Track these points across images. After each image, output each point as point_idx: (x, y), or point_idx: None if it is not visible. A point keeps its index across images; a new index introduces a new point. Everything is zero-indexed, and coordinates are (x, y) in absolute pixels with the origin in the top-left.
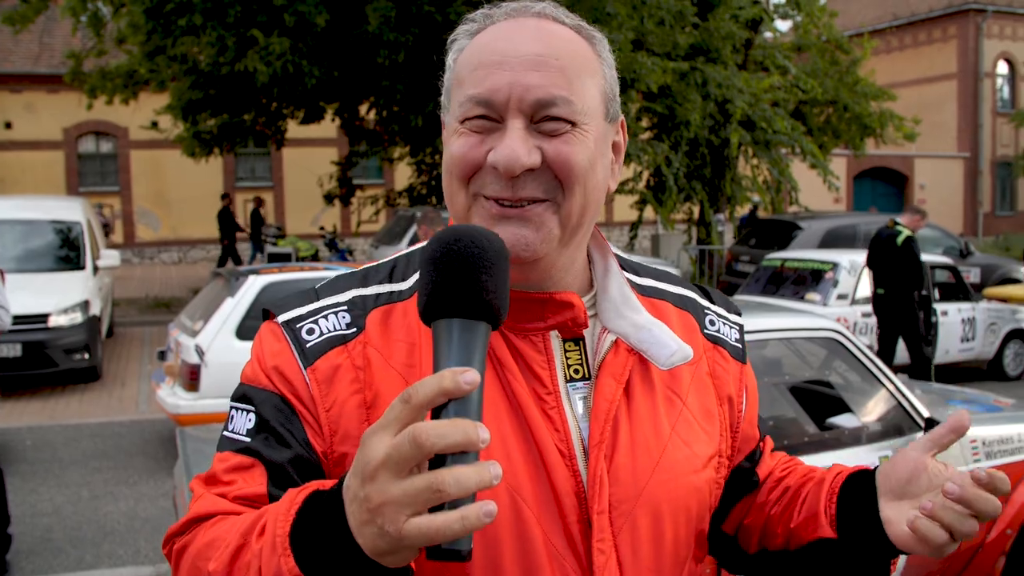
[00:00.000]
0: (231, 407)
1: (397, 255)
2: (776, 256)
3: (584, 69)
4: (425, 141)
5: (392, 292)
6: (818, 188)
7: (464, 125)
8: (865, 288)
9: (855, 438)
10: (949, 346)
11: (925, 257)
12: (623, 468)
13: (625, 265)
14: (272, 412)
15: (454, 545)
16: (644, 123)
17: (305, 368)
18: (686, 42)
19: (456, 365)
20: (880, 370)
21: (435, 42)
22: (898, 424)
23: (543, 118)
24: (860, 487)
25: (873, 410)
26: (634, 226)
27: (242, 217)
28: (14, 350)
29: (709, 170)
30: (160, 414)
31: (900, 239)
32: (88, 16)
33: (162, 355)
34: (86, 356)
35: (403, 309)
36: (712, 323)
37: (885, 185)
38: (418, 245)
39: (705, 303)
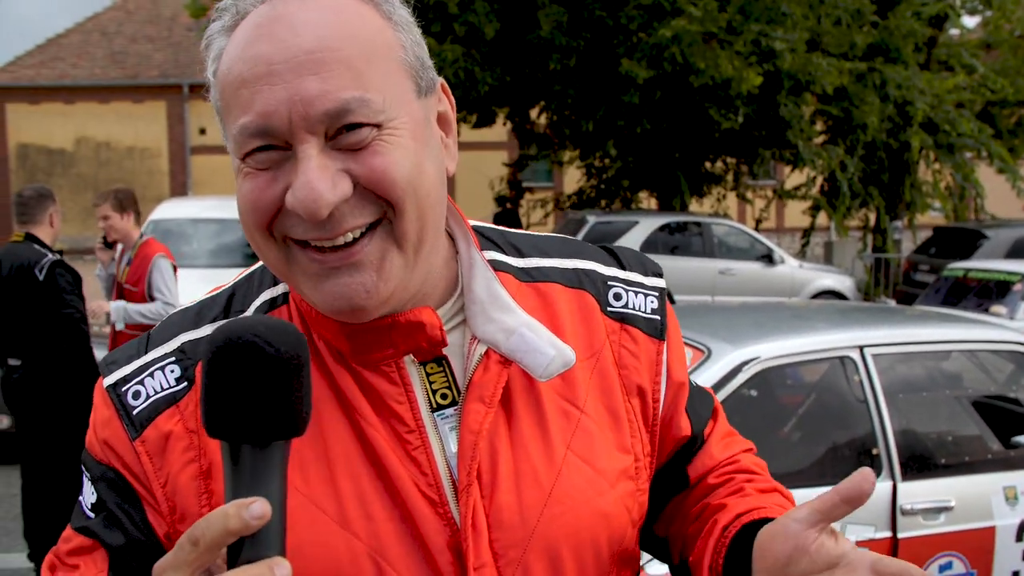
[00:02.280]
0: (82, 471)
1: (238, 278)
2: (959, 266)
3: (376, 48)
4: (595, 145)
5: None
6: (1007, 195)
7: (246, 163)
8: None
9: None
10: None
11: None
12: (507, 508)
13: (502, 244)
14: (106, 490)
15: None
16: (818, 126)
17: (133, 440)
18: (864, 41)
19: (245, 495)
20: None
21: (606, 47)
22: None
23: (339, 131)
24: (747, 551)
25: None
26: (806, 233)
27: None
28: None
29: (887, 175)
30: None
31: None
32: None
33: None
34: None
35: None
36: (618, 297)
37: None
38: (261, 263)
39: (609, 272)
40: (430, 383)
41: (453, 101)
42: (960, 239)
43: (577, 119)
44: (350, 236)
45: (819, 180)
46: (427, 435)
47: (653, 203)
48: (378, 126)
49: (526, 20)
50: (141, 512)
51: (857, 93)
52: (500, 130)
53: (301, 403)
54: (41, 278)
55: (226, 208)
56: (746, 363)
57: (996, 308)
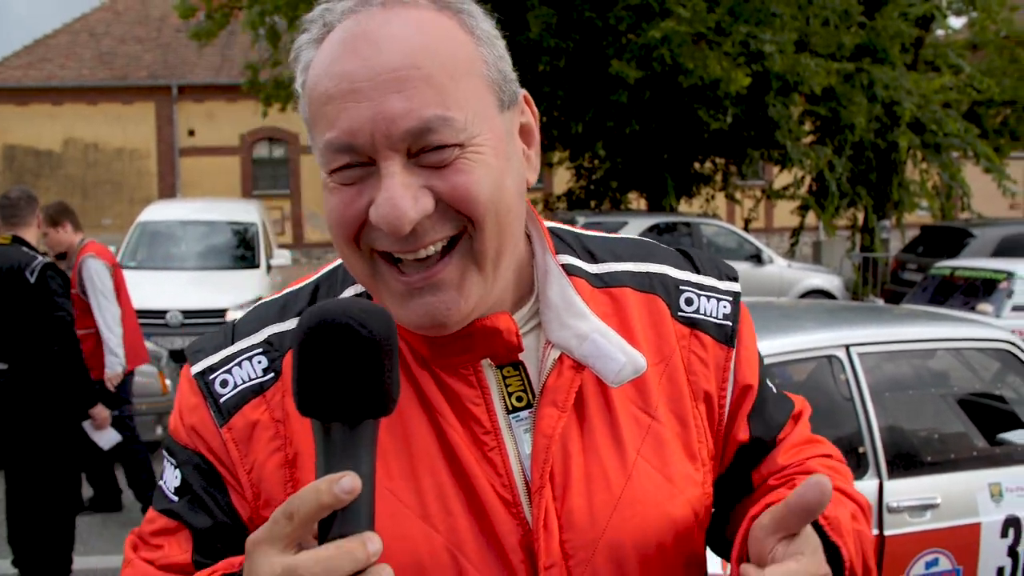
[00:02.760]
0: (164, 456)
1: (320, 273)
2: (946, 264)
3: (458, 64)
4: (585, 146)
5: None
6: (993, 194)
7: (333, 178)
8: None
9: None
10: None
11: None
12: (577, 510)
13: (577, 248)
14: (193, 474)
15: None
16: (807, 126)
17: (221, 427)
18: (852, 42)
19: (336, 470)
20: None
21: (595, 48)
22: None
23: (422, 149)
24: None
25: None
26: (795, 232)
27: None
28: None
29: (875, 175)
30: None
31: None
32: (266, 30)
33: None
34: None
35: None
36: (689, 301)
37: None
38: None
39: (683, 275)
40: (506, 386)
41: (536, 112)
42: (947, 238)
43: (567, 120)
44: (432, 249)
45: (807, 180)
46: (502, 437)
47: (642, 204)
48: (460, 145)
49: (515, 21)
50: (226, 496)
51: (845, 93)
52: None
53: (391, 384)
54: (32, 281)
55: (215, 210)
56: None
57: (982, 306)
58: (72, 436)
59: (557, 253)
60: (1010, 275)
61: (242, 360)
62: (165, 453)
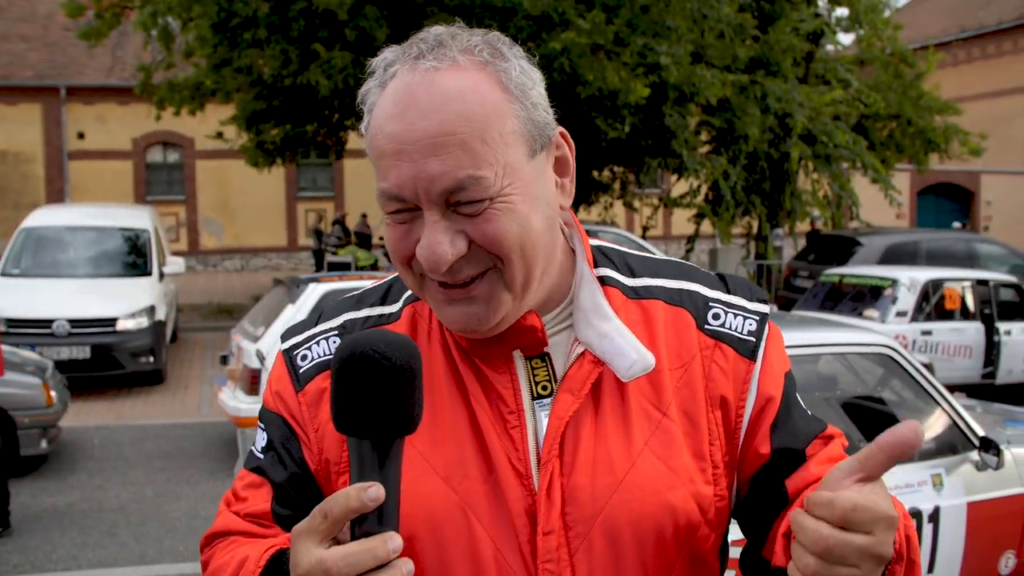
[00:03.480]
0: (258, 426)
1: (395, 274)
2: (834, 272)
3: (490, 127)
4: None
5: (381, 315)
6: (880, 204)
7: (389, 216)
8: (926, 306)
9: None
10: (1013, 366)
11: (990, 275)
12: (581, 487)
13: (619, 264)
14: (276, 432)
15: None
16: (703, 136)
17: (297, 392)
18: (746, 55)
19: (366, 480)
20: (934, 387)
21: None
22: (952, 442)
23: (458, 202)
24: None
25: (926, 428)
26: (691, 239)
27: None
28: (83, 352)
29: (768, 184)
30: (222, 417)
31: None
32: (158, 30)
33: (224, 360)
34: (151, 359)
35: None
36: (717, 317)
37: (950, 201)
38: None
39: (713, 294)
40: (533, 375)
41: (572, 145)
42: (837, 246)
43: None
44: (467, 278)
45: (703, 189)
46: (524, 417)
47: None
48: (490, 198)
49: (416, 26)
50: (299, 449)
51: (739, 105)
52: None
53: (413, 407)
54: None
55: (105, 216)
56: None
57: (869, 312)
58: None
59: (597, 266)
60: (894, 282)
61: (320, 339)
62: (259, 422)
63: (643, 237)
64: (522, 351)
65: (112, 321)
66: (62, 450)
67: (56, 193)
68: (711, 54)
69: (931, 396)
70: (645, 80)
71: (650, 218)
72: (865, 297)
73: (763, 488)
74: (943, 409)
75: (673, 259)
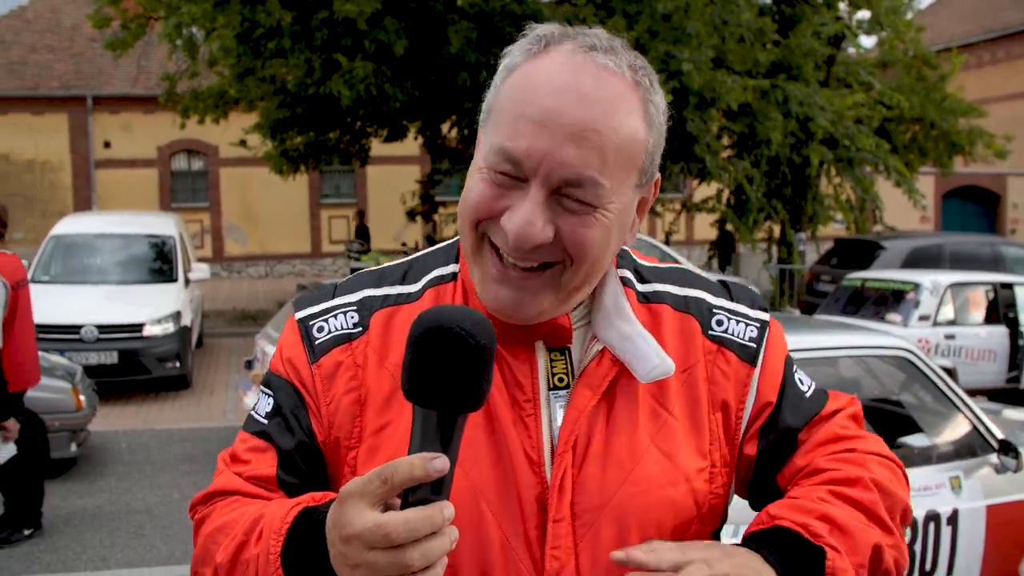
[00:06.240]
0: (260, 390)
1: (415, 256)
2: (856, 276)
3: (624, 145)
4: None
5: (400, 294)
6: (904, 207)
7: (487, 172)
8: (949, 310)
9: (925, 458)
10: None
11: (1014, 278)
12: (591, 478)
13: (631, 269)
14: (285, 399)
15: None
16: (724, 141)
17: (312, 363)
18: (767, 59)
19: (427, 450)
20: (953, 391)
21: None
22: (970, 445)
23: (567, 194)
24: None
25: (945, 431)
26: (713, 244)
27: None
28: (111, 357)
29: (790, 189)
30: None
31: None
32: (183, 40)
33: (249, 365)
34: (177, 365)
35: (408, 312)
36: (720, 323)
37: (975, 204)
38: (439, 246)
39: (717, 301)
40: (552, 367)
41: (658, 190)
42: (859, 250)
43: None
44: (533, 265)
45: (726, 193)
46: (540, 406)
47: None
48: (596, 206)
49: (436, 36)
50: (307, 420)
51: (761, 109)
52: (412, 144)
53: (486, 386)
54: None
55: (131, 223)
56: None
57: (891, 316)
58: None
59: (618, 267)
60: (917, 286)
61: (338, 313)
62: (262, 387)
63: (666, 242)
64: (545, 342)
65: (139, 327)
66: (91, 453)
67: (83, 201)
68: (732, 59)
69: (949, 399)
70: (666, 86)
71: (673, 223)
72: (887, 301)
73: (758, 483)
74: (962, 412)
75: (677, 266)
